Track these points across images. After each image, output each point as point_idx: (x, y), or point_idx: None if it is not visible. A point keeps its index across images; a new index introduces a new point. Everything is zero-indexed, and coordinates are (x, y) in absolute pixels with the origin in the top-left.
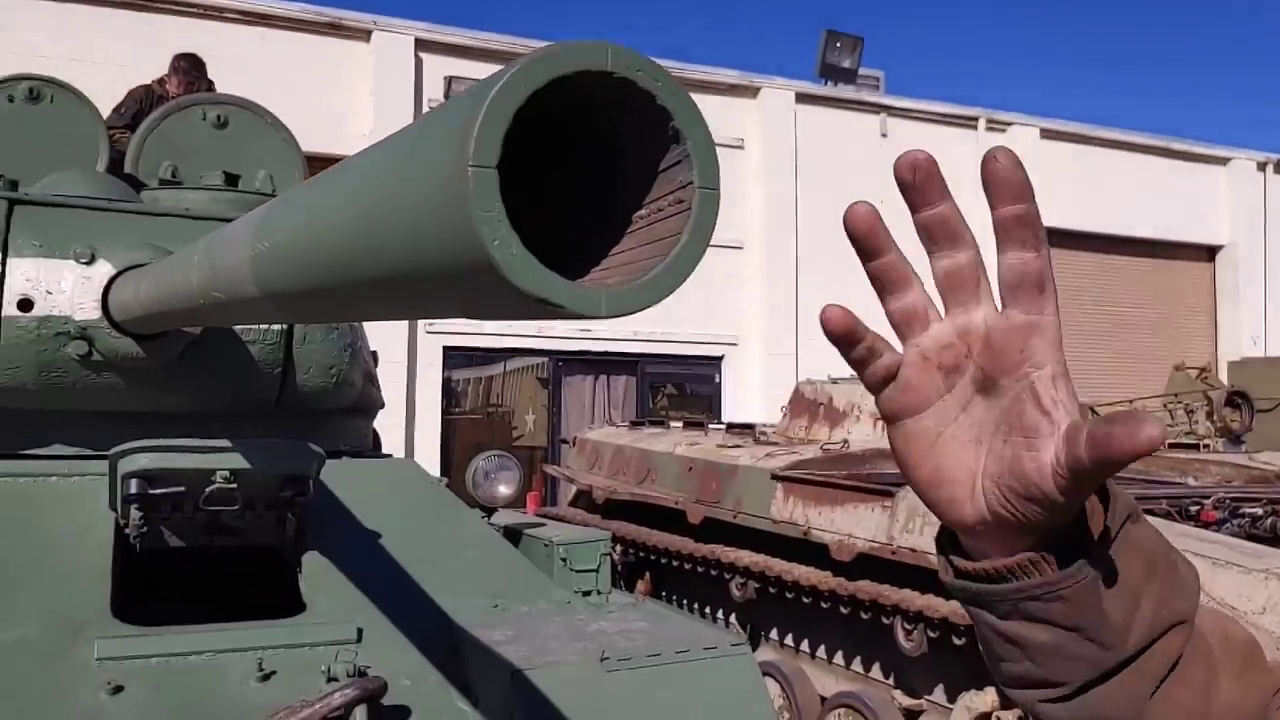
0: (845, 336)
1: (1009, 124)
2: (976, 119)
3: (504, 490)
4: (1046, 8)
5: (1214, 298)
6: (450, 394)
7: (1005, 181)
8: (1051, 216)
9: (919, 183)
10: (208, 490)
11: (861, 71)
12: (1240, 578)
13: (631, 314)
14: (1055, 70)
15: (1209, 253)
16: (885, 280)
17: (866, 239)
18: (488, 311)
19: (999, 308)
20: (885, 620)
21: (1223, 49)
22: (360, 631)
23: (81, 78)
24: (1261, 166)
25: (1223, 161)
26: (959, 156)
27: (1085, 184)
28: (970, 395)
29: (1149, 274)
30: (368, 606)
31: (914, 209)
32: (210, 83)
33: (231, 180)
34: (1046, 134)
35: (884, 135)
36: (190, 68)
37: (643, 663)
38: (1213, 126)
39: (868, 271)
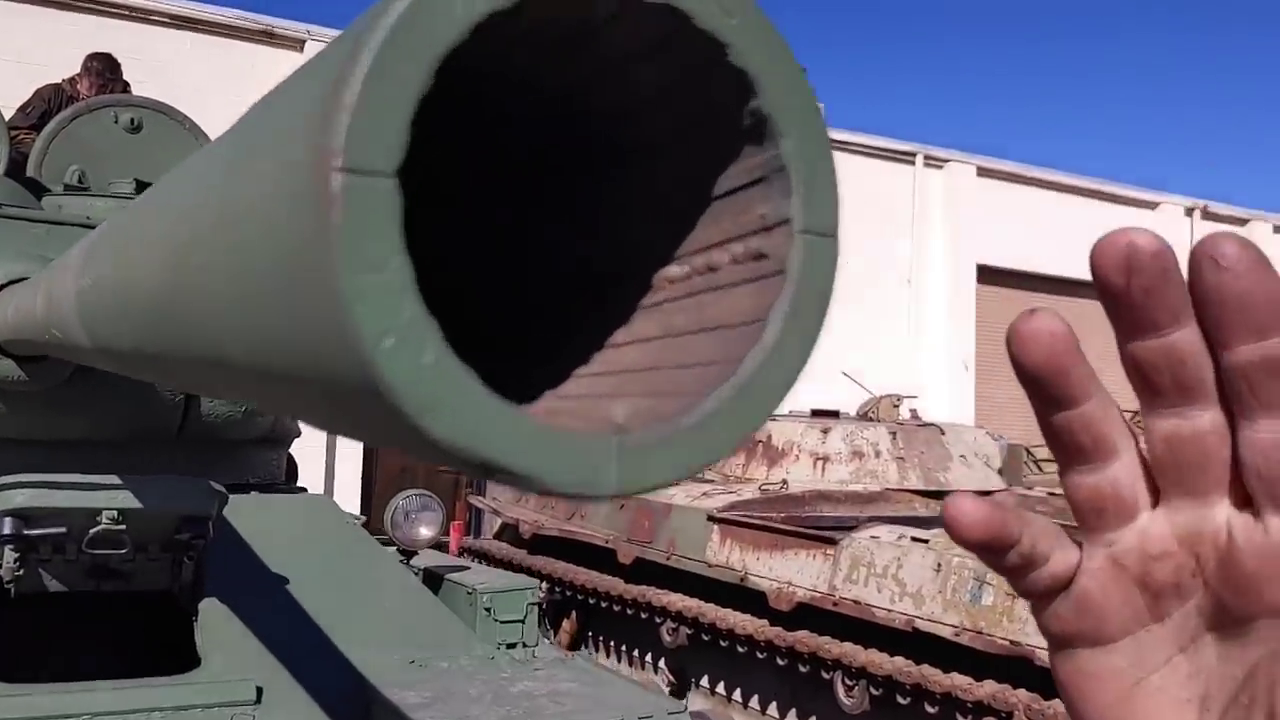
0: (989, 544)
1: (946, 160)
2: (914, 154)
3: (425, 532)
4: (986, 47)
5: None
6: None
7: (1249, 298)
8: (986, 254)
9: (1147, 288)
10: (92, 532)
11: None
12: None
13: (659, 488)
14: (993, 109)
15: None
16: (1073, 442)
17: (1050, 376)
18: (403, 449)
19: (1255, 506)
20: (825, 674)
21: (1157, 95)
22: (260, 691)
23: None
24: (1189, 212)
25: (1152, 206)
26: (894, 191)
27: (1019, 224)
28: (1197, 632)
29: (1078, 315)
30: (270, 662)
31: (1131, 330)
32: (125, 84)
33: (143, 188)
34: (983, 172)
35: None
36: (104, 68)
37: None
38: (1144, 171)
39: (1044, 426)
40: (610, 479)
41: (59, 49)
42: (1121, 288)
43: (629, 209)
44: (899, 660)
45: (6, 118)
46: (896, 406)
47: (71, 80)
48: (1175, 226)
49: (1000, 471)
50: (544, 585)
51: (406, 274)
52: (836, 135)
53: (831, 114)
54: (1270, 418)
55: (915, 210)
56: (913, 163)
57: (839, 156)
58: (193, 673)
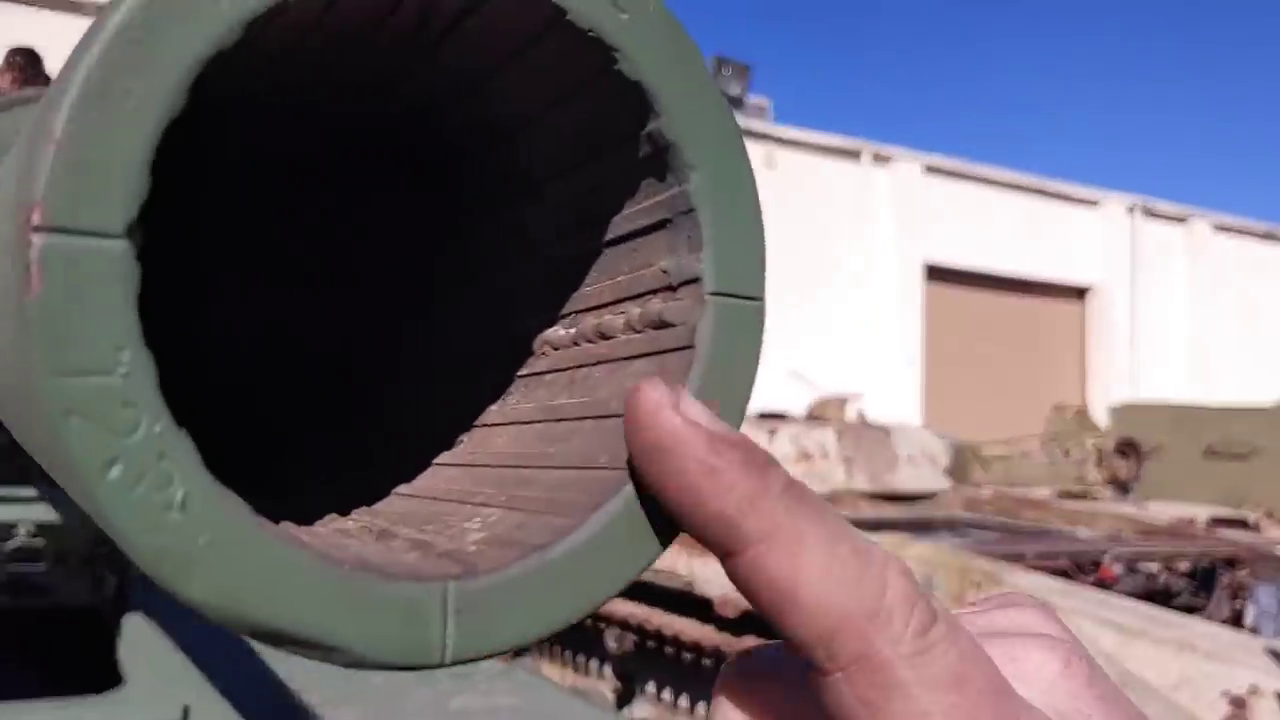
0: None
1: (891, 157)
2: (860, 151)
3: None
4: (934, 42)
5: (1083, 338)
6: None
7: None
8: (932, 252)
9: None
10: (8, 546)
11: (749, 99)
12: (1153, 650)
13: (501, 654)
14: (939, 105)
15: (1079, 293)
16: None
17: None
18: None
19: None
20: None
21: (1104, 92)
22: (186, 710)
23: None
24: (1130, 209)
25: (1093, 204)
26: (843, 188)
27: (964, 221)
28: None
29: (1022, 313)
30: (197, 679)
31: None
32: (47, 78)
33: None
34: (929, 169)
35: (770, 166)
36: (26, 63)
37: None
38: (1085, 168)
39: None
40: (436, 647)
41: None
42: None
43: (501, 255)
44: None
45: None
46: (844, 407)
47: None
48: (1117, 224)
49: (948, 471)
50: None
51: (143, 375)
52: (780, 132)
53: (777, 110)
54: None
55: (862, 208)
56: (858, 159)
57: (789, 155)
58: (116, 691)
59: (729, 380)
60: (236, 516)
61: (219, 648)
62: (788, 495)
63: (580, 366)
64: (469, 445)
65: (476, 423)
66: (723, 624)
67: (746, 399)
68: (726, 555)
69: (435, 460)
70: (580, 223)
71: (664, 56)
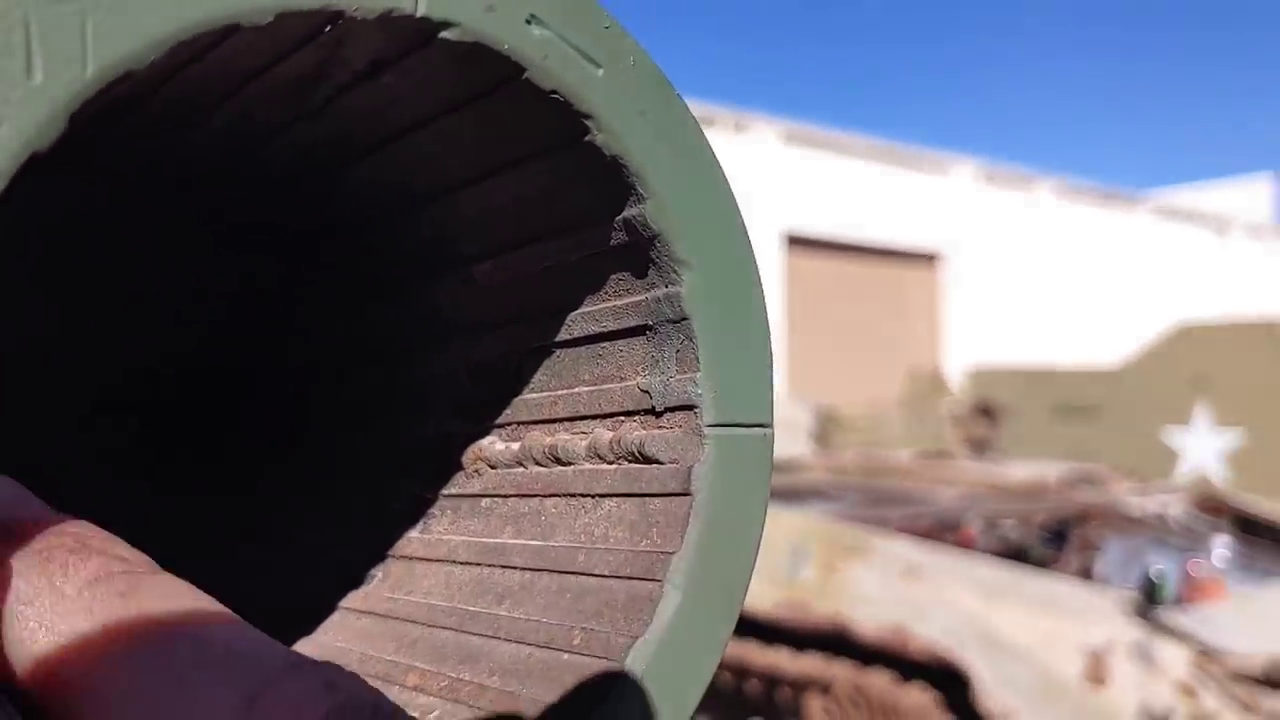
0: None
1: (750, 125)
2: (714, 120)
3: None
4: (791, 5)
5: (935, 303)
6: None
7: None
8: (791, 221)
9: None
10: None
11: None
12: (1018, 610)
13: None
14: (800, 68)
15: (931, 259)
16: None
17: None
18: None
19: None
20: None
21: (954, 56)
22: None
23: None
24: (976, 175)
25: (943, 170)
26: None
27: (821, 188)
28: None
29: (879, 279)
30: None
31: None
32: None
33: None
34: (788, 136)
35: None
36: None
37: None
38: (936, 133)
39: None
40: None
41: None
42: None
43: (412, 343)
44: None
45: None
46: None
47: None
48: (965, 189)
49: (811, 437)
50: None
51: None
52: None
53: None
54: None
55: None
56: (712, 126)
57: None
58: None
59: (736, 534)
60: None
61: None
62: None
63: (527, 496)
64: (387, 583)
65: (392, 552)
66: None
67: (754, 559)
68: None
69: (346, 602)
70: (521, 315)
71: (651, 126)
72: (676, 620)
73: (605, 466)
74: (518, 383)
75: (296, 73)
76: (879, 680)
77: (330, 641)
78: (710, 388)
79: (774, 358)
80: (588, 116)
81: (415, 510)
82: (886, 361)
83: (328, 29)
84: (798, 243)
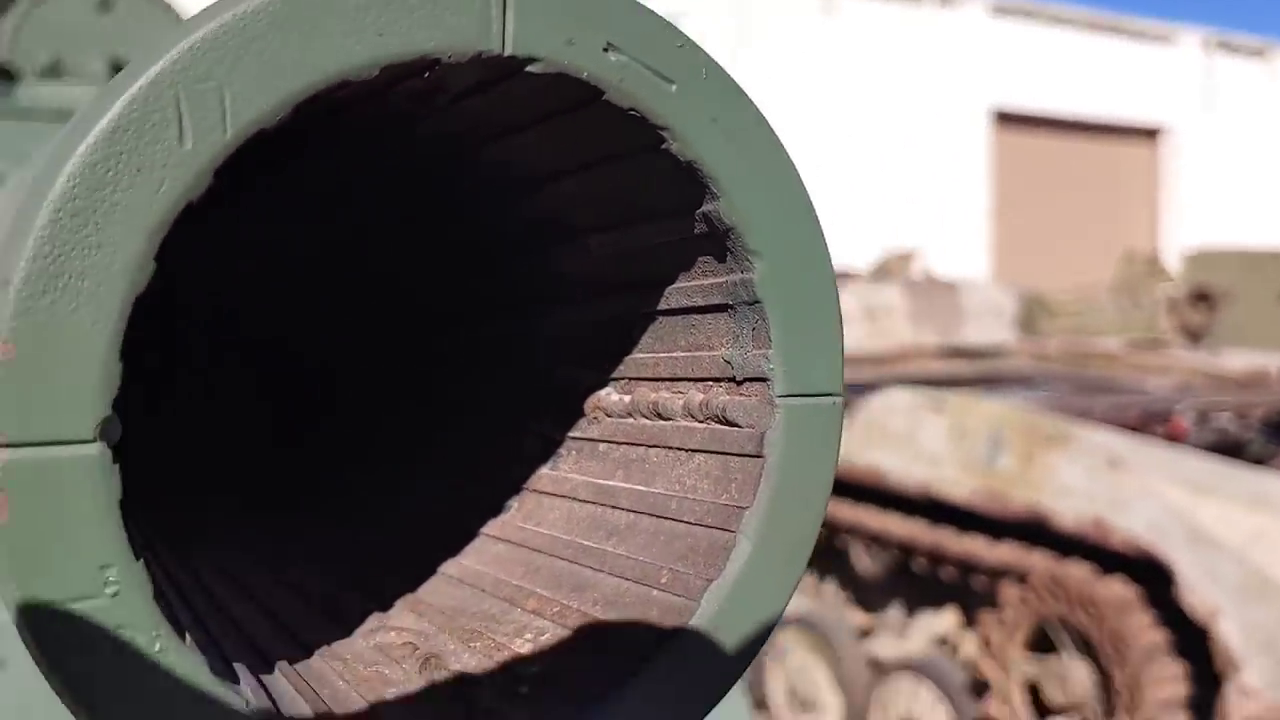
0: None
1: (956, 1)
2: None
3: None
4: None
5: (1155, 182)
6: None
7: None
8: (1001, 98)
9: None
10: None
11: None
12: (1228, 506)
13: None
14: None
15: (1150, 135)
16: None
17: None
18: None
19: None
20: (840, 541)
21: None
22: None
23: None
24: (1206, 44)
25: (1167, 39)
26: (907, 35)
27: (1032, 64)
28: None
29: (1093, 157)
30: None
31: None
32: None
33: (118, 69)
34: (996, 10)
35: (829, 14)
36: None
37: None
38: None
39: None
40: None
41: None
42: None
43: (541, 301)
44: (914, 525)
45: None
46: (909, 263)
47: None
48: (1191, 60)
49: (1016, 324)
50: None
51: (136, 589)
52: None
53: None
54: None
55: (926, 55)
56: (919, 4)
57: (843, 1)
58: None
59: (803, 494)
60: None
61: None
62: None
63: (635, 444)
64: (521, 513)
65: (527, 486)
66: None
67: (821, 515)
68: None
69: (485, 529)
70: (629, 284)
71: (722, 132)
72: (747, 569)
73: (697, 425)
74: (629, 342)
75: (410, 91)
76: (1077, 572)
77: (470, 565)
78: (780, 362)
79: (843, 333)
80: (663, 129)
81: (545, 449)
82: (1099, 244)
83: (426, 73)
84: (1008, 120)
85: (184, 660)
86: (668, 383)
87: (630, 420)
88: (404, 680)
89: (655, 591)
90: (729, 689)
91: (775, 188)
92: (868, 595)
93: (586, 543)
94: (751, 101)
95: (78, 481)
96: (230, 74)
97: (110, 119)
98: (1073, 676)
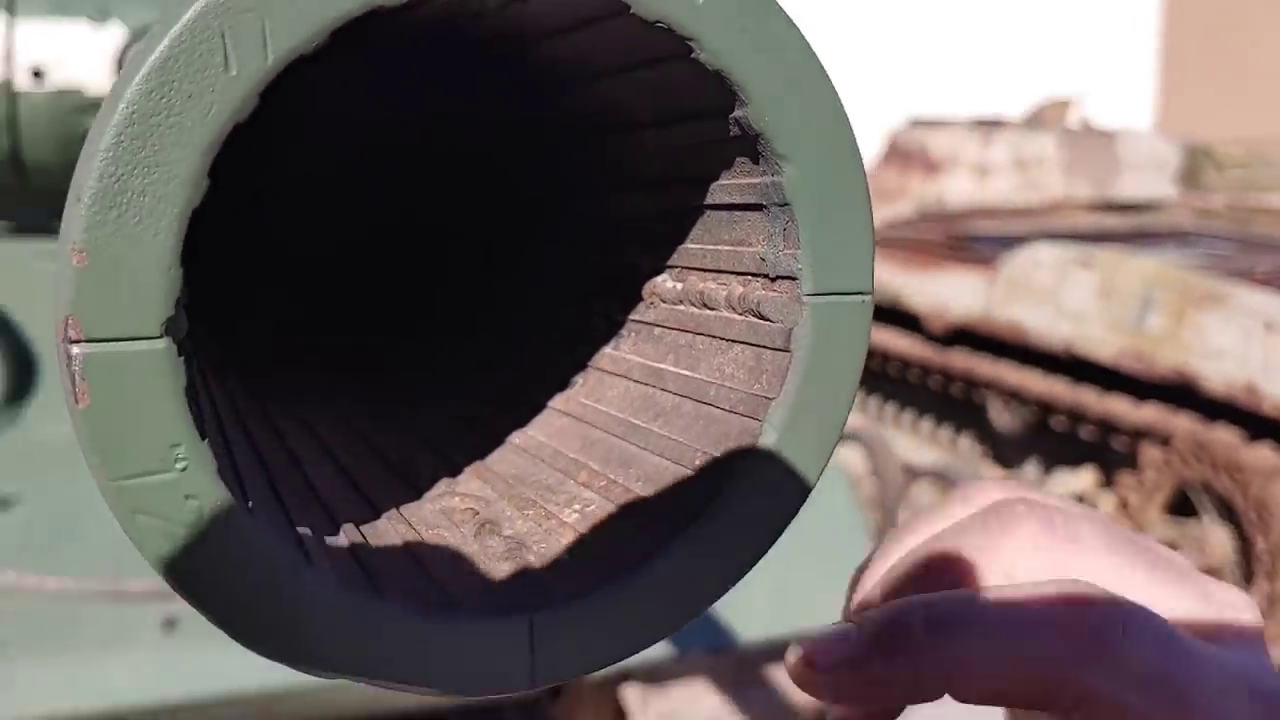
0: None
1: None
2: None
3: None
4: None
5: None
6: None
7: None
8: None
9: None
10: None
11: None
12: None
13: (584, 674)
14: None
15: None
16: None
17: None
18: None
19: None
20: (978, 396)
21: None
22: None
23: None
24: None
25: None
26: None
27: None
28: None
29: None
30: None
31: None
32: None
33: None
34: None
35: None
36: None
37: None
38: None
39: None
40: (520, 675)
41: None
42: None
43: (605, 186)
44: (1055, 382)
45: None
46: (1066, 110)
47: None
48: None
49: (1179, 178)
50: None
51: (200, 464)
52: None
53: None
54: None
55: None
56: None
57: None
58: None
59: (826, 391)
60: (322, 585)
61: None
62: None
63: (684, 331)
64: (584, 389)
65: (591, 364)
66: (930, 339)
67: (847, 408)
68: None
69: (552, 403)
70: (680, 178)
71: (749, 42)
72: (770, 458)
73: (736, 317)
74: (682, 233)
75: (448, 6)
76: (1224, 436)
77: (534, 435)
78: (810, 263)
79: (873, 234)
80: (690, 39)
81: (609, 330)
82: (1275, 95)
83: None
84: None
85: (245, 522)
86: (714, 274)
87: (681, 307)
88: (459, 543)
89: (687, 472)
90: (756, 561)
91: (804, 95)
92: (1004, 451)
93: (636, 421)
94: (782, 10)
95: (146, 372)
96: (268, 6)
97: (161, 51)
98: (1212, 541)
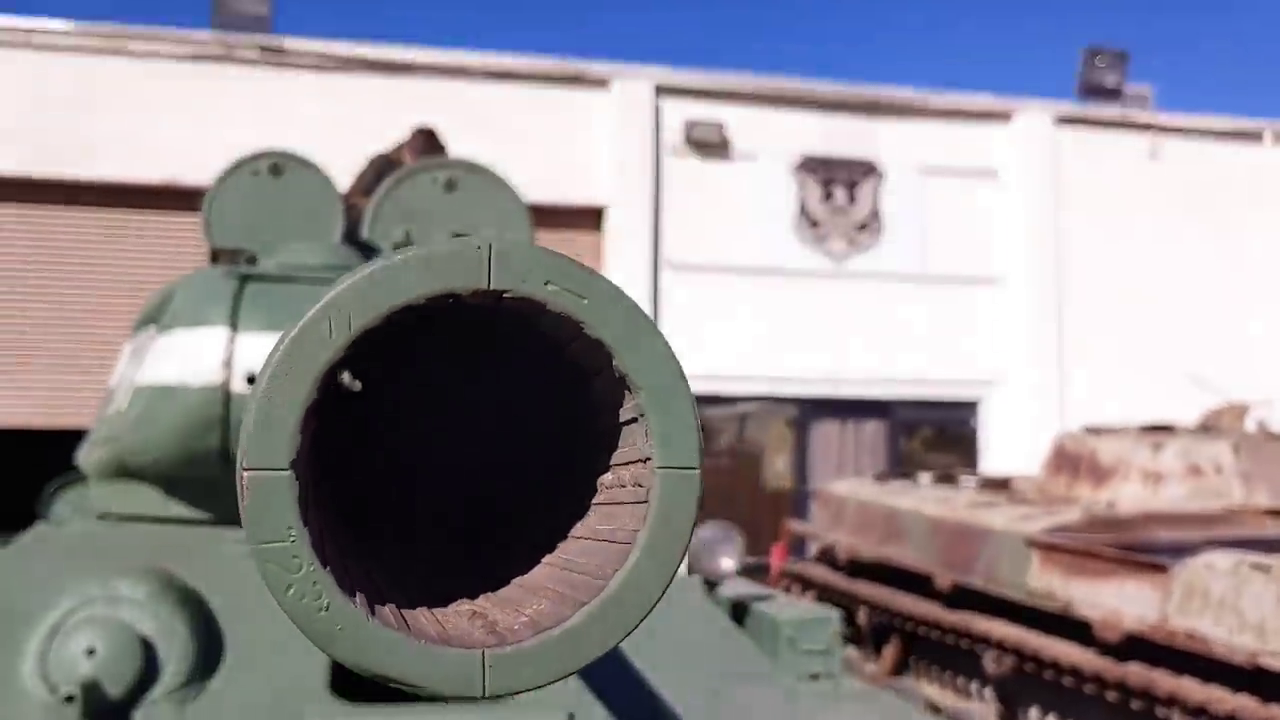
0: None
1: None
2: (1262, 131)
3: (726, 563)
4: None
5: None
6: None
7: None
8: None
9: None
10: None
11: (1127, 89)
12: None
13: (532, 689)
14: None
15: None
16: None
17: None
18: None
19: None
20: (1160, 712)
21: None
22: (571, 718)
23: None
24: None
25: None
26: (1243, 175)
27: None
28: None
29: None
30: (576, 688)
31: None
32: (442, 148)
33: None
34: None
35: (1153, 156)
36: (425, 146)
37: None
38: None
39: None
40: (478, 686)
41: (383, 113)
42: None
43: (594, 412)
44: (1242, 699)
45: (343, 189)
46: (1243, 416)
47: (397, 148)
48: None
49: None
50: (864, 610)
51: (303, 539)
52: (1164, 120)
53: (1159, 97)
54: None
55: (1265, 192)
56: (1261, 140)
57: (1176, 143)
58: (503, 701)
59: (670, 526)
60: (357, 614)
61: (595, 661)
62: None
63: (609, 505)
64: (563, 551)
65: (572, 534)
66: (1105, 648)
67: (686, 538)
68: None
69: (546, 558)
70: (614, 405)
71: (614, 321)
72: (636, 562)
73: (634, 489)
74: (616, 441)
75: (459, 304)
76: None
77: (528, 578)
78: (659, 448)
79: (698, 430)
80: (582, 323)
81: (582, 511)
82: None
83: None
84: None
85: (324, 576)
86: (623, 466)
87: (610, 490)
88: (459, 621)
89: (595, 580)
90: (633, 629)
91: (646, 348)
92: None
93: (583, 561)
94: (635, 304)
95: (277, 488)
96: (350, 303)
97: (301, 325)
98: None
